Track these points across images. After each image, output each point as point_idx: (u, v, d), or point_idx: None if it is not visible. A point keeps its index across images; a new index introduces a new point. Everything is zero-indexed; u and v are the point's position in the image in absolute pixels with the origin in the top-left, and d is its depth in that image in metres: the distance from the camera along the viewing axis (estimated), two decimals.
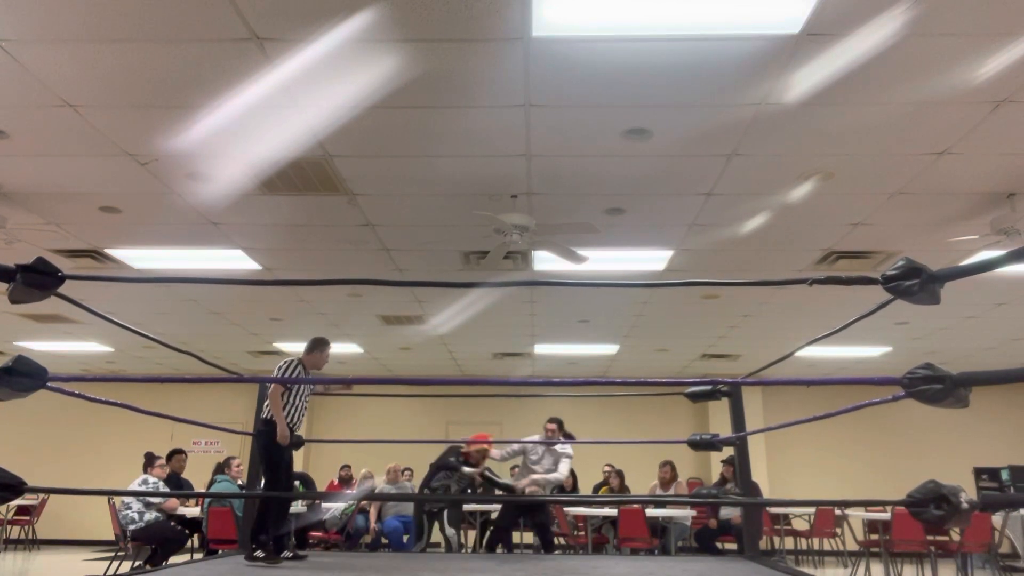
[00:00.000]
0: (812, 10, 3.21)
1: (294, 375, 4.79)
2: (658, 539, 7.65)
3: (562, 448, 6.46)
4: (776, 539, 9.63)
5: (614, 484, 9.00)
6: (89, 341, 10.22)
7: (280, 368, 4.83)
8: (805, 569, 8.52)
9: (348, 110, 4.10)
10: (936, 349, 9.91)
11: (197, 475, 8.69)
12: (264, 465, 4.73)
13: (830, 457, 12.16)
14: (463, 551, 8.00)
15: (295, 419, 4.77)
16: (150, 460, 7.23)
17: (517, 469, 7.01)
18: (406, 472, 9.36)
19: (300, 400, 4.85)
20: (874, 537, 7.74)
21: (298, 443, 4.89)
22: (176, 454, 8.04)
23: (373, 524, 8.57)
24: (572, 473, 10.14)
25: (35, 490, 2.39)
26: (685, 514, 7.88)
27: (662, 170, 4.83)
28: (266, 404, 4.73)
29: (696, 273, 6.82)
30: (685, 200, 5.29)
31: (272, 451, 4.65)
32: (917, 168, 4.72)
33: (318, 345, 4.98)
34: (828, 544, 9.57)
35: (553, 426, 6.44)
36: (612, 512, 7.50)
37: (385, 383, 3.54)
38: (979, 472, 10.72)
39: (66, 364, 11.59)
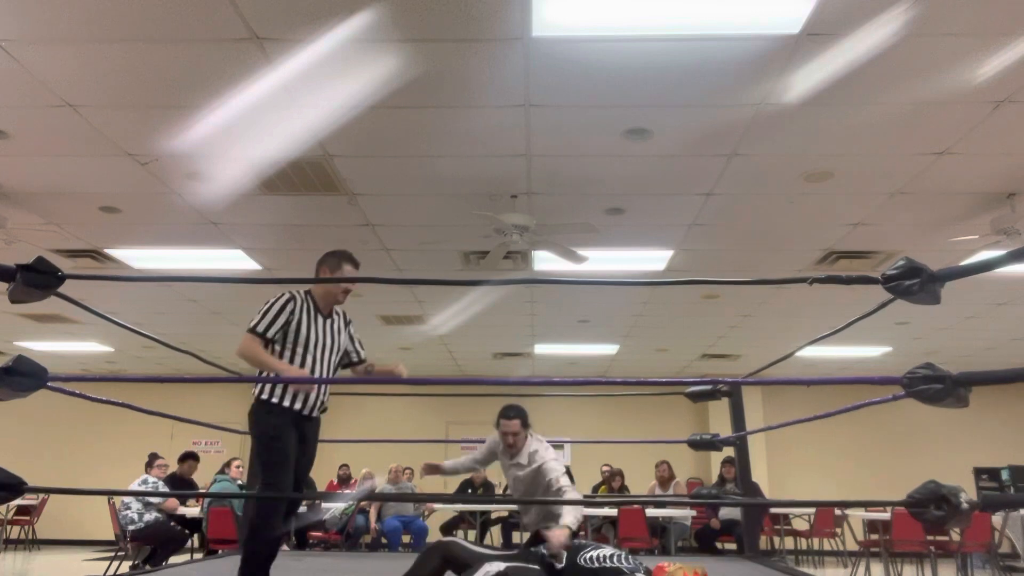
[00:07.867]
0: (812, 10, 3.21)
1: (293, 314, 3.06)
2: (658, 539, 7.65)
3: (545, 452, 3.73)
4: (776, 539, 9.63)
5: (614, 484, 9.00)
6: (89, 341, 10.21)
7: (265, 308, 3.11)
8: (805, 569, 8.51)
9: (348, 110, 4.09)
10: (936, 349, 9.90)
11: (198, 475, 8.67)
12: (261, 461, 3.11)
13: (830, 457, 12.15)
14: None
15: (311, 395, 3.10)
16: (151, 461, 7.23)
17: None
18: (406, 472, 9.36)
19: (316, 353, 3.10)
20: (874, 537, 7.73)
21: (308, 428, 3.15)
22: (189, 459, 7.93)
23: (373, 524, 8.56)
24: (569, 473, 10.14)
25: (34, 490, 2.39)
26: (685, 514, 7.88)
27: (662, 170, 4.83)
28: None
29: (696, 273, 6.80)
30: (685, 200, 5.28)
31: (270, 438, 3.04)
32: (917, 168, 4.72)
33: (329, 260, 3.22)
34: (828, 544, 9.56)
35: (515, 424, 3.68)
36: (612, 512, 7.50)
37: (385, 383, 3.53)
38: (979, 472, 10.71)
39: (66, 364, 11.58)
